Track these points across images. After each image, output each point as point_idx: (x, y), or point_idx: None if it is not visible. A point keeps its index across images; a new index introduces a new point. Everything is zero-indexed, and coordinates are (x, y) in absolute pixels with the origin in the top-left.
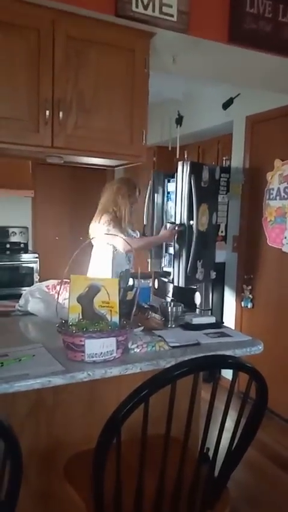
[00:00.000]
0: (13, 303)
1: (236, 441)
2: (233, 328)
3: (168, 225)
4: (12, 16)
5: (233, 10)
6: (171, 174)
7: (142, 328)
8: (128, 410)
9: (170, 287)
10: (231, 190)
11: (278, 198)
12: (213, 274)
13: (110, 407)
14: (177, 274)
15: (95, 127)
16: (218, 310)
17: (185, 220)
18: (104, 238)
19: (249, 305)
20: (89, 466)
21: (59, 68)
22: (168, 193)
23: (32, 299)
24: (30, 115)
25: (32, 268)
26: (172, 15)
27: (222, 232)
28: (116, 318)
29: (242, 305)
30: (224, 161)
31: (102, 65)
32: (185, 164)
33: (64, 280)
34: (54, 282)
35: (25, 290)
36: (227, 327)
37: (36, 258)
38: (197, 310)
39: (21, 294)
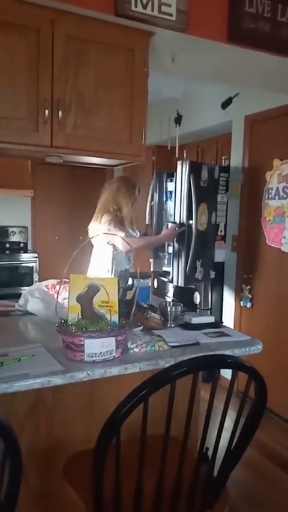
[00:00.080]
0: (13, 302)
1: (235, 441)
2: (232, 327)
3: (170, 224)
4: (11, 16)
5: (232, 10)
6: (171, 174)
7: (141, 327)
8: (128, 410)
9: (170, 287)
10: (231, 190)
11: (276, 197)
12: (212, 274)
13: (110, 407)
14: (176, 273)
15: (94, 126)
16: (217, 309)
17: (184, 219)
18: (104, 238)
19: (249, 305)
20: (89, 465)
21: (58, 68)
22: (167, 192)
23: (31, 299)
24: (29, 114)
25: (32, 267)
26: (171, 15)
27: (221, 231)
28: (115, 318)
29: (241, 305)
30: (223, 161)
31: (101, 65)
32: (184, 163)
33: (63, 279)
34: (54, 281)
35: (24, 290)
36: (226, 327)
37: (36, 257)
38: (197, 309)
39: (21, 294)
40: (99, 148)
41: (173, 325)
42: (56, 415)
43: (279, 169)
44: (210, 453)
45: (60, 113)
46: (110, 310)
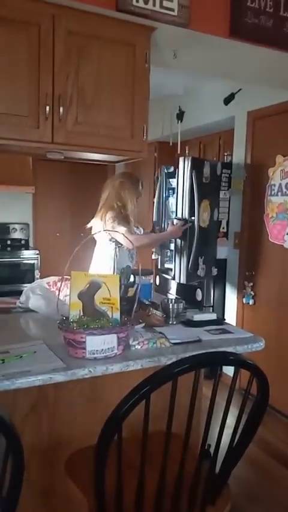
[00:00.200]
0: (14, 299)
1: (237, 438)
2: (234, 324)
3: (176, 221)
4: (12, 11)
5: (234, 4)
6: (173, 170)
7: (143, 324)
8: (129, 407)
9: (172, 284)
10: (233, 186)
11: (279, 194)
12: (214, 271)
13: (111, 404)
14: (178, 270)
15: (95, 122)
16: (220, 306)
17: (186, 216)
18: (107, 235)
19: (251, 302)
20: (91, 462)
21: (59, 63)
22: (169, 189)
23: (32, 296)
24: (30, 111)
25: (33, 264)
26: (173, 10)
27: (223, 228)
28: (117, 315)
29: (244, 302)
30: (225, 157)
31: (102, 60)
32: (186, 160)
33: (65, 276)
34: (55, 278)
35: (26, 287)
36: (228, 324)
37: (37, 254)
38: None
39: (22, 291)
40: (101, 144)
41: (174, 322)
42: (57, 412)
43: (282, 166)
44: (212, 450)
45: (61, 109)
46: (112, 307)
